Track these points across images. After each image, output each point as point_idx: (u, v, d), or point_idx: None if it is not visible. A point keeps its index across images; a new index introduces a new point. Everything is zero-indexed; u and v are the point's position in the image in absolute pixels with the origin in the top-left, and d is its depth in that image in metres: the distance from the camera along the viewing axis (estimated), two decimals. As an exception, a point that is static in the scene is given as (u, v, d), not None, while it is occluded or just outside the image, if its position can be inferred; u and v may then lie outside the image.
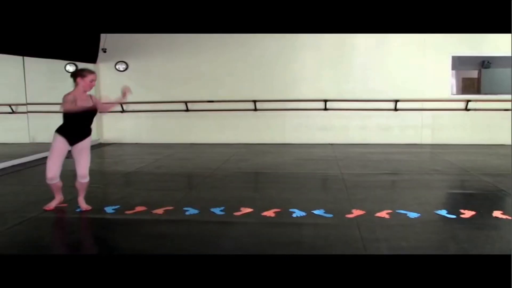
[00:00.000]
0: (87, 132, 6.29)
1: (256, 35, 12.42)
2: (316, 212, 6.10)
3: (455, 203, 6.97)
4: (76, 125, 6.13)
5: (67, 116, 6.04)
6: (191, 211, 6.19)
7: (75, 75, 6.15)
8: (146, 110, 13.54)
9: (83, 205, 6.34)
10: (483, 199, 6.96)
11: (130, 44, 13.26)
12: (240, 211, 6.17)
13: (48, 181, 6.19)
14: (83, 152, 6.25)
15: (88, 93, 6.21)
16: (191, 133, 13.58)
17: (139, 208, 6.32)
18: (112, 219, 5.99)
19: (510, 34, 12.54)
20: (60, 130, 6.13)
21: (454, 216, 5.92)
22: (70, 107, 5.86)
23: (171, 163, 10.43)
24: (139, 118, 13.65)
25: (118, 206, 6.43)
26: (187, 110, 13.44)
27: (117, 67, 13.52)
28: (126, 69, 13.53)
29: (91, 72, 6.24)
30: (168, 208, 6.32)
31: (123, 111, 13.54)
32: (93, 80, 6.16)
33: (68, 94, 5.97)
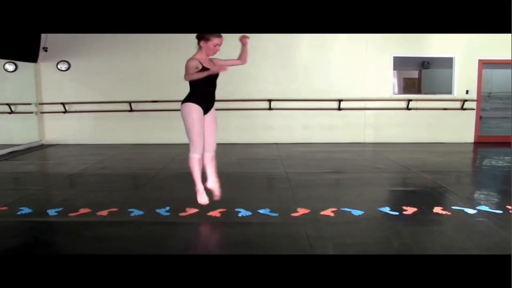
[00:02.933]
0: (214, 98, 6.06)
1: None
2: (261, 211, 6.14)
3: (397, 200, 7.11)
4: (207, 90, 5.91)
5: (196, 82, 5.77)
6: (136, 212, 6.14)
7: (199, 37, 5.92)
8: (89, 111, 13.33)
9: (217, 186, 6.19)
10: (424, 195, 7.12)
11: (72, 43, 13.01)
12: (185, 211, 6.16)
13: (196, 160, 6.12)
14: (214, 121, 6.14)
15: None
16: (135, 133, 13.45)
17: (83, 210, 6.22)
18: (55, 222, 5.87)
19: (447, 36, 12.93)
20: (192, 99, 5.87)
21: (396, 213, 6.05)
22: (193, 76, 5.67)
23: (116, 164, 10.30)
24: (82, 118, 13.42)
25: (61, 209, 6.31)
26: (131, 110, 13.30)
27: (58, 66, 13.25)
28: (68, 68, 13.27)
29: (218, 35, 5.92)
30: (113, 210, 6.24)
31: (65, 111, 13.29)
32: (217, 45, 5.86)
33: (191, 59, 5.74)
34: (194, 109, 5.84)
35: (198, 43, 5.91)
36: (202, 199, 6.13)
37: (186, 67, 5.68)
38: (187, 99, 5.89)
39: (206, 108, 5.97)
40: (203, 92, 5.91)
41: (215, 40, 5.85)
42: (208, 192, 6.21)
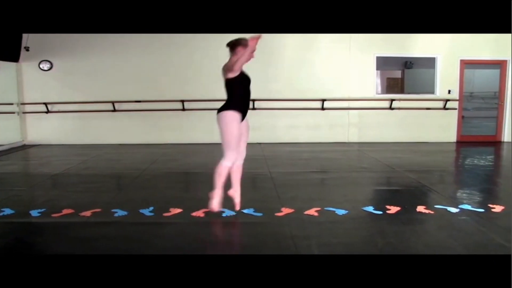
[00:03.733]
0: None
1: (183, 35, 12.35)
2: (245, 211, 6.14)
3: (381, 199, 7.15)
4: (246, 96, 5.88)
5: (235, 88, 5.78)
6: (120, 212, 6.11)
7: (236, 44, 5.81)
8: (72, 111, 13.24)
9: (238, 194, 6.16)
10: (408, 194, 7.17)
11: (55, 42, 12.92)
12: (169, 211, 6.14)
13: (227, 168, 6.03)
14: (248, 129, 6.13)
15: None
16: (119, 133, 13.39)
17: (66, 211, 6.19)
18: (38, 223, 5.83)
19: (430, 36, 13.02)
20: (232, 106, 5.77)
21: (380, 212, 6.09)
22: (242, 59, 5.64)
23: (99, 164, 10.25)
24: (65, 118, 13.33)
25: (44, 209, 6.27)
26: (114, 110, 13.24)
27: (41, 66, 13.14)
28: (50, 68, 13.17)
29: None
30: (96, 210, 6.21)
31: (48, 111, 13.20)
32: (254, 51, 5.76)
33: (232, 58, 5.70)
34: (235, 118, 5.83)
35: (233, 50, 5.81)
36: (215, 205, 6.01)
37: (234, 59, 5.68)
38: (227, 107, 5.83)
39: (244, 115, 5.97)
40: (242, 98, 5.90)
41: (253, 46, 5.71)
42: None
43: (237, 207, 6.12)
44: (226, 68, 5.69)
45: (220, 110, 5.83)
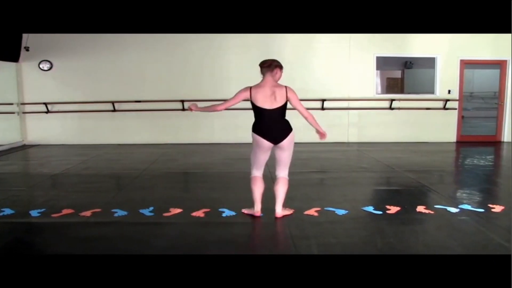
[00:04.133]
0: None
1: (183, 35, 12.36)
2: (245, 211, 6.14)
3: (381, 199, 7.15)
4: None
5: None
6: (119, 212, 6.12)
7: (278, 65, 6.13)
8: (72, 111, 13.23)
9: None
10: (408, 194, 7.17)
11: (54, 42, 12.91)
12: (169, 211, 6.15)
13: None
14: None
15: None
16: (118, 133, 13.38)
17: (66, 211, 6.19)
18: (38, 223, 5.84)
19: (430, 36, 13.02)
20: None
21: (380, 212, 6.09)
22: None
23: (99, 164, 10.25)
24: (65, 118, 13.32)
25: (44, 209, 6.27)
26: (114, 110, 13.23)
27: (40, 66, 13.13)
28: (50, 68, 13.16)
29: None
30: (96, 210, 6.21)
31: (47, 111, 13.19)
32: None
33: (289, 86, 6.13)
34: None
35: (272, 70, 6.11)
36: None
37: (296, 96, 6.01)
38: (290, 126, 6.02)
39: None
40: None
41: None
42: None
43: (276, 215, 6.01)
44: (294, 96, 6.07)
45: (290, 129, 6.03)
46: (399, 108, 13.50)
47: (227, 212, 6.08)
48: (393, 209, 6.20)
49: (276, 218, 5.88)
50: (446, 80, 13.62)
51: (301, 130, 13.30)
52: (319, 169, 9.38)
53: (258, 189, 6.04)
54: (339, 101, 13.34)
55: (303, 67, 13.22)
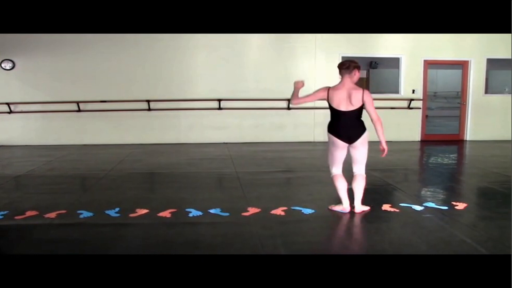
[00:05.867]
0: None
1: (149, 35, 12.29)
2: (212, 211, 6.14)
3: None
4: None
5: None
6: (85, 214, 6.05)
7: (356, 67, 6.01)
8: (35, 111, 13.03)
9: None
10: (373, 193, 7.23)
11: (17, 41, 12.70)
12: (135, 212, 6.10)
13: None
14: None
15: None
16: (84, 134, 13.23)
17: (30, 213, 6.10)
18: (1, 226, 5.73)
19: (394, 36, 13.18)
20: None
21: (346, 211, 6.13)
22: None
23: (64, 165, 10.13)
24: (28, 119, 13.12)
25: (6, 212, 6.17)
26: (79, 110, 13.08)
27: (2, 65, 12.89)
28: (13, 67, 12.93)
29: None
30: (61, 212, 6.14)
31: (10, 111, 12.98)
32: None
33: (366, 89, 5.96)
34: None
35: (350, 72, 5.99)
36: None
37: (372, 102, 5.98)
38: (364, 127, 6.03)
39: None
40: None
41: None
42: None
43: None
44: (369, 101, 5.94)
45: (364, 129, 6.07)
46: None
47: (193, 212, 6.07)
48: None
49: (242, 217, 5.88)
50: (411, 80, 13.82)
51: (266, 129, 13.43)
52: (286, 169, 9.42)
53: (342, 186, 6.13)
54: (305, 100, 13.40)
55: (269, 67, 13.27)
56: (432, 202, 6.55)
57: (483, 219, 6.03)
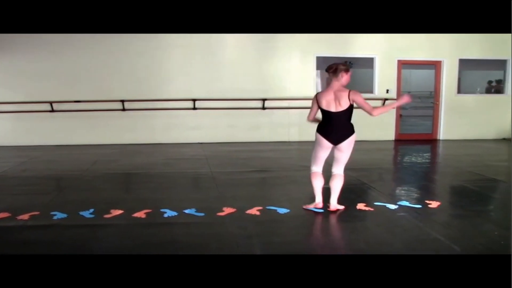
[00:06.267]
0: None
1: (123, 35, 12.22)
2: (187, 211, 6.12)
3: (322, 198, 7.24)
4: None
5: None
6: (59, 215, 5.99)
7: (343, 69, 6.01)
8: (8, 111, 12.86)
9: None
10: (348, 192, 7.26)
11: (-11, 41, 12.57)
12: (110, 213, 6.06)
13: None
14: None
15: None
16: (58, 134, 13.09)
17: (2, 215, 6.00)
18: (-27, 227, 5.66)
19: (369, 36, 13.27)
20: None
21: (321, 210, 6.16)
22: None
23: (38, 165, 10.02)
24: (1, 119, 12.95)
25: (-21, 213, 6.09)
26: (53, 110, 12.95)
27: (-25, 66, 12.77)
28: (-15, 68, 12.80)
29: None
30: (35, 213, 6.07)
31: (-18, 112, 12.83)
32: None
33: (352, 89, 6.01)
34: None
35: (337, 75, 6.00)
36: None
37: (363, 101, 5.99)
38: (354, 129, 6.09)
39: None
40: None
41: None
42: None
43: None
44: (358, 98, 5.96)
45: (352, 132, 6.05)
46: (339, 107, 13.68)
47: (169, 213, 6.05)
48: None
49: (217, 217, 5.88)
50: (385, 79, 13.93)
51: (241, 129, 13.43)
52: (261, 168, 9.43)
53: (318, 183, 6.23)
54: (280, 100, 13.44)
55: (245, 67, 13.29)
56: (406, 201, 6.61)
57: (457, 217, 6.10)
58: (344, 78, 6.01)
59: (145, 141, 13.13)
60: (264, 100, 13.36)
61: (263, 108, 13.43)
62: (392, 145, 13.34)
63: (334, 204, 6.17)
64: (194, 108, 13.21)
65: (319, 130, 6.11)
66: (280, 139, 13.61)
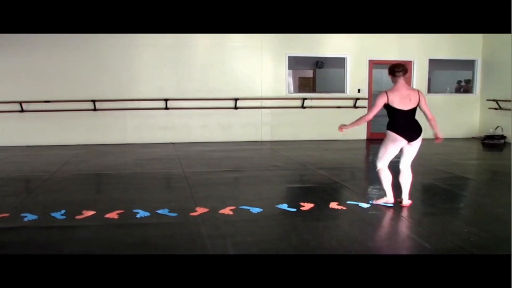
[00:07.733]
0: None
1: (94, 35, 12.09)
2: (160, 211, 6.09)
3: (295, 197, 7.27)
4: None
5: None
6: (29, 217, 5.90)
7: (407, 70, 6.35)
8: (-24, 112, 12.68)
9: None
10: (321, 191, 7.33)
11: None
12: (82, 214, 5.99)
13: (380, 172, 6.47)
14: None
15: None
16: (27, 135, 12.91)
17: (-30, 217, 5.93)
18: None
19: (340, 36, 13.35)
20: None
21: (294, 209, 6.18)
22: None
23: (6, 167, 9.87)
24: (-32, 120, 12.76)
25: None
26: (22, 110, 12.78)
27: None
28: (-48, 67, 12.57)
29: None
30: (4, 215, 5.97)
31: (-51, 113, 12.59)
32: None
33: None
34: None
35: (405, 75, 6.39)
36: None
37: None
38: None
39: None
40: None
41: None
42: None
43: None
44: (424, 99, 6.36)
45: (421, 129, 6.41)
46: (311, 107, 13.77)
47: (141, 213, 6.01)
48: (306, 206, 6.31)
49: (190, 217, 5.86)
50: (356, 79, 14.05)
51: (213, 128, 13.41)
52: (233, 168, 9.43)
53: (388, 179, 6.48)
54: (252, 100, 13.46)
55: (216, 67, 13.29)
56: (378, 199, 6.65)
57: (427, 215, 6.18)
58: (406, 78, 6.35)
59: (116, 142, 13.03)
60: (236, 99, 13.35)
61: (235, 107, 13.42)
62: (364, 145, 13.45)
63: (407, 200, 6.39)
64: (166, 108, 13.15)
65: (392, 128, 6.40)
66: (252, 138, 13.62)
